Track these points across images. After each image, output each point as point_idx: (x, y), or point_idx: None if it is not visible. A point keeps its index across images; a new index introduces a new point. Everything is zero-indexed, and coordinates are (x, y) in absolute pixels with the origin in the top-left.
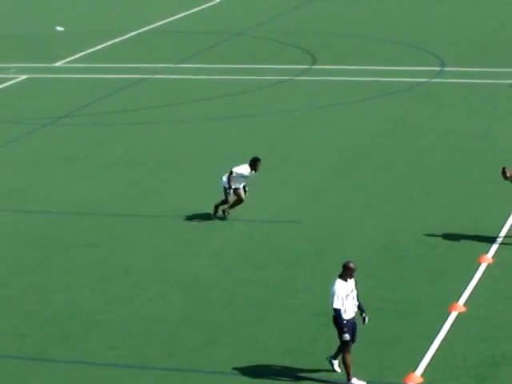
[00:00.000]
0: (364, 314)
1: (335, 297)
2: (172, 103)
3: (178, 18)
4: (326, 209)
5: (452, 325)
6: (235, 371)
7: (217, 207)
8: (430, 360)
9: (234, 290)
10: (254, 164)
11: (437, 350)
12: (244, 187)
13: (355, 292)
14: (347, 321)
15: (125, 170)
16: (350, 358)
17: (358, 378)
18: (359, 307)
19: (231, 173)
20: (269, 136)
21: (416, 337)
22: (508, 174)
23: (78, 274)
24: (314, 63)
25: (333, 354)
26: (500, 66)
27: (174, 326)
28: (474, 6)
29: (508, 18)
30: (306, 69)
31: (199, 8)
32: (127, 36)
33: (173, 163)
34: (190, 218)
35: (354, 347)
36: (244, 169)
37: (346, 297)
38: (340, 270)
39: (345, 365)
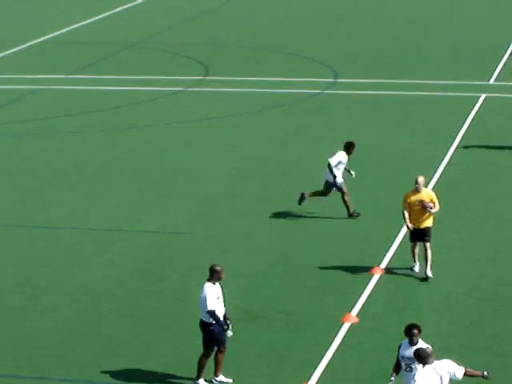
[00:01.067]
0: (228, 321)
1: (208, 299)
2: (65, 114)
3: (72, 29)
4: (220, 220)
5: (345, 336)
6: (130, 383)
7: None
8: (323, 371)
9: (127, 300)
10: (349, 147)
11: (329, 361)
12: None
13: (222, 297)
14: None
15: (19, 180)
16: (206, 360)
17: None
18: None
19: (329, 165)
20: (162, 147)
21: (309, 348)
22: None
23: None
24: (207, 74)
25: (214, 371)
26: (391, 78)
27: (68, 336)
28: (367, 19)
29: (398, 31)
30: (199, 80)
31: (92, 19)
32: (21, 47)
33: (67, 174)
34: (83, 229)
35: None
36: (341, 156)
37: (216, 299)
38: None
39: (198, 363)
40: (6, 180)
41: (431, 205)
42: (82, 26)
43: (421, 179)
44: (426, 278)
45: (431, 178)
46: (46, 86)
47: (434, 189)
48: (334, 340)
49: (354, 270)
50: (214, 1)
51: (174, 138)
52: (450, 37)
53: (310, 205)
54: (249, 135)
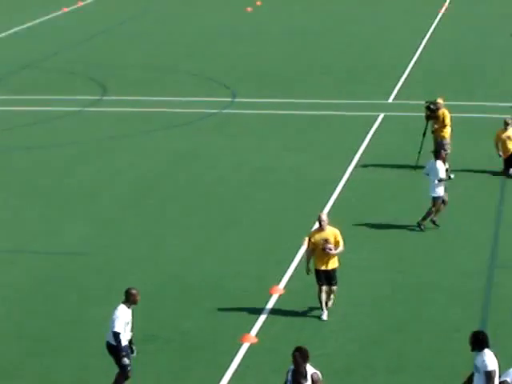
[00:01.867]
0: (133, 347)
1: (117, 321)
2: None
3: None
4: (117, 240)
5: (244, 356)
6: None
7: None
8: None
9: (24, 322)
10: (439, 155)
11: (228, 382)
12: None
13: (131, 323)
14: (124, 346)
15: None
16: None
17: None
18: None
19: (441, 180)
20: (59, 168)
21: (207, 369)
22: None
23: None
24: (105, 94)
25: None
26: (288, 97)
27: None
28: (265, 38)
29: (293, 50)
30: (97, 100)
31: None
32: None
33: None
34: None
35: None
36: (441, 165)
37: (126, 324)
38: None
39: None
40: None
41: (330, 246)
42: None
43: (324, 217)
44: (319, 318)
45: (329, 198)
46: None
47: (331, 209)
48: (232, 360)
49: (252, 289)
50: (110, 21)
51: (72, 158)
52: (347, 55)
53: (205, 224)
54: (146, 155)
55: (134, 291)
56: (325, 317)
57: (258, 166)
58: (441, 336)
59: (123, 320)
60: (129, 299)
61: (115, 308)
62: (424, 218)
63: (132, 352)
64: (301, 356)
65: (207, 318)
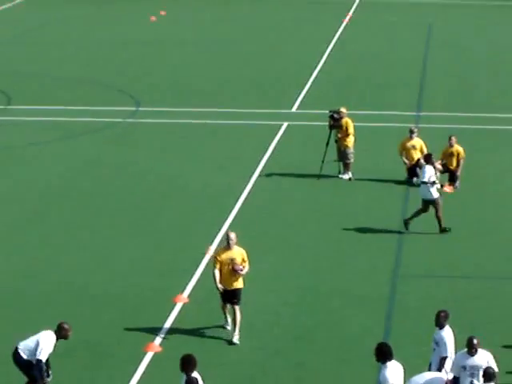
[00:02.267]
0: (50, 371)
1: (44, 350)
2: None
3: None
4: (19, 251)
5: (148, 365)
6: None
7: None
8: None
9: None
10: (430, 159)
11: None
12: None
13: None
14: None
15: None
16: None
17: None
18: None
19: (425, 183)
20: None
21: (112, 378)
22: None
23: None
24: (9, 103)
25: None
26: (191, 107)
27: None
28: (173, 47)
29: (198, 60)
30: (1, 109)
31: None
32: None
33: None
34: None
35: None
36: (430, 170)
37: (49, 353)
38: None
39: None
40: None
41: (241, 267)
42: None
43: (233, 235)
44: (231, 343)
45: (232, 208)
46: None
47: (234, 218)
48: (137, 369)
49: (156, 298)
50: (13, 31)
51: None
52: (252, 65)
53: (108, 234)
54: (49, 164)
55: (66, 326)
56: (229, 326)
57: (162, 176)
58: (345, 345)
59: (49, 350)
60: (60, 333)
61: (47, 334)
62: (411, 218)
63: (48, 376)
64: (184, 364)
65: (111, 328)
